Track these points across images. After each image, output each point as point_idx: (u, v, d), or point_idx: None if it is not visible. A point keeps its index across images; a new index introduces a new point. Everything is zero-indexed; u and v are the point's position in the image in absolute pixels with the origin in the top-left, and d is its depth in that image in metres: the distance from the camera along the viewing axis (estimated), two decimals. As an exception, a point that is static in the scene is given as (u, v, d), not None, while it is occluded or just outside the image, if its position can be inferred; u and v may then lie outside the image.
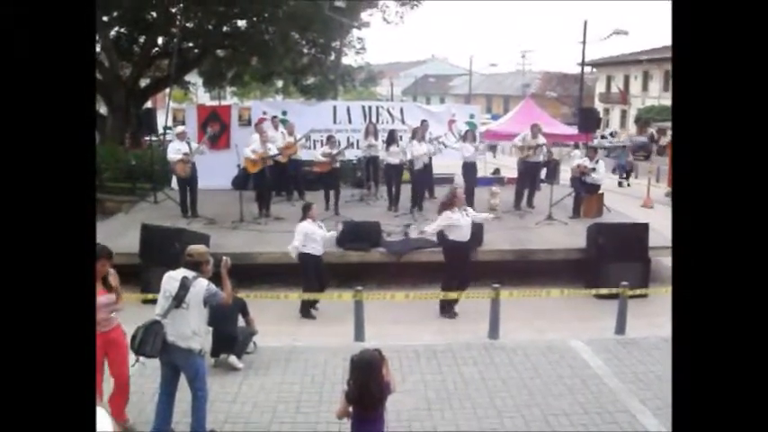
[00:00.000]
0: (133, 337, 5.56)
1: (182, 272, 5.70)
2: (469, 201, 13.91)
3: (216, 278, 5.91)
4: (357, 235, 11.14)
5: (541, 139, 14.31)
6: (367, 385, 4.63)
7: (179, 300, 5.55)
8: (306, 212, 9.57)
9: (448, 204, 9.55)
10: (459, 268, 9.72)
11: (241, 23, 24.33)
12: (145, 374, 6.56)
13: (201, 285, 5.61)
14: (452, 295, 9.61)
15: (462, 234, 9.57)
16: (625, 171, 26.89)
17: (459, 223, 9.48)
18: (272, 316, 8.89)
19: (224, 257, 6.11)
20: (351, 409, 4.78)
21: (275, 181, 14.66)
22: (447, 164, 17.47)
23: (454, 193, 9.77)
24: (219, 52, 26.04)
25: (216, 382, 6.90)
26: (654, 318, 9.72)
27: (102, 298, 5.72)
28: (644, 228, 11.21)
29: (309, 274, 9.57)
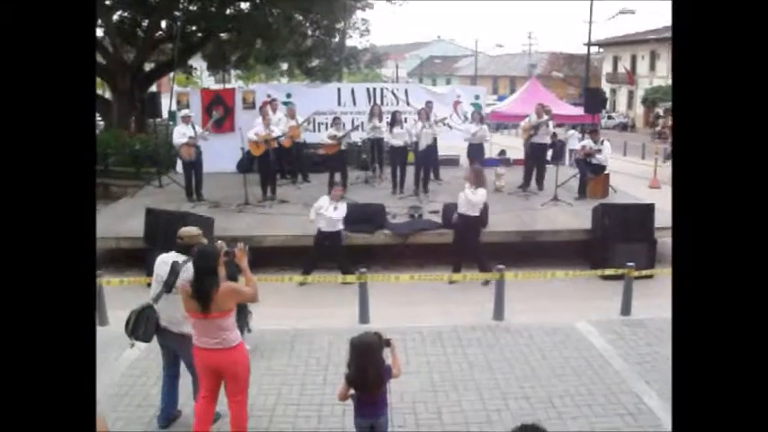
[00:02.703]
0: (127, 321, 5.54)
1: (173, 255, 5.62)
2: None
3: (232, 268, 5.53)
4: (362, 217, 11.13)
5: (545, 117, 14.22)
6: (365, 368, 4.63)
7: (169, 285, 5.49)
8: (329, 189, 10.33)
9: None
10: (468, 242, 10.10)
11: (244, 6, 24.20)
12: (149, 358, 6.59)
13: (191, 270, 5.29)
14: (456, 277, 9.68)
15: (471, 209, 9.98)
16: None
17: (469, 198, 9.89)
18: (278, 299, 8.88)
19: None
20: (352, 391, 4.79)
21: (279, 164, 14.65)
22: (453, 145, 17.42)
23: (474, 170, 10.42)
24: (223, 35, 25.91)
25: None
26: (659, 299, 9.65)
27: None
28: (650, 208, 11.15)
29: (312, 247, 10.03)
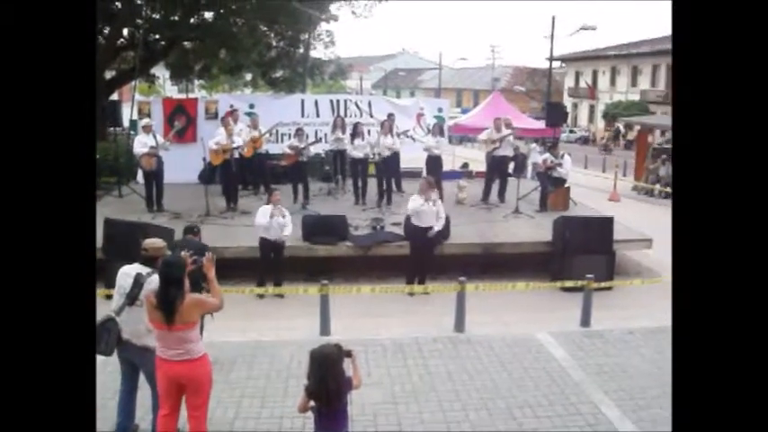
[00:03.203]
0: None
1: (136, 267, 5.54)
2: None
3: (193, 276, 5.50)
4: (324, 229, 11.11)
5: (506, 131, 14.37)
6: (325, 380, 4.60)
7: (132, 297, 5.39)
8: (269, 198, 10.22)
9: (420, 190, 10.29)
10: (421, 254, 10.20)
11: (208, 15, 24.03)
12: (106, 371, 6.47)
13: (156, 282, 5.25)
14: (417, 289, 9.72)
15: (425, 220, 10.16)
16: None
17: (423, 209, 10.09)
18: (239, 311, 8.81)
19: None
20: (312, 403, 4.75)
21: (241, 175, 14.55)
22: (416, 157, 17.48)
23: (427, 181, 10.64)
24: (187, 44, 25.70)
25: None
26: (618, 310, 9.85)
27: None
28: (609, 221, 11.32)
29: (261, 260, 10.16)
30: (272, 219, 9.85)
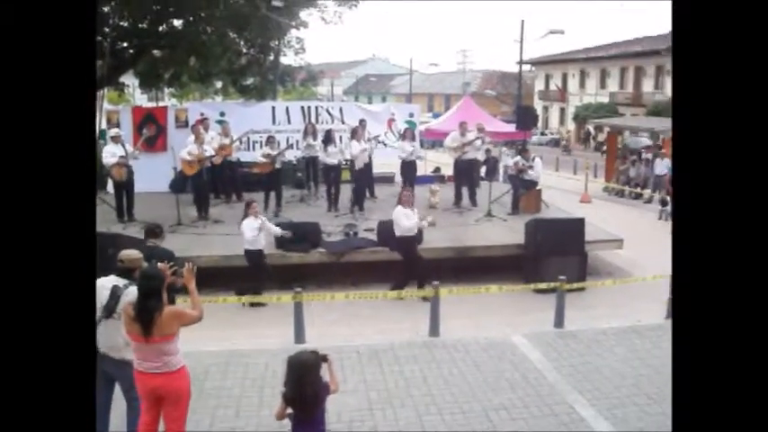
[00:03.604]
0: None
1: (113, 279, 5.45)
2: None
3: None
4: (297, 236, 11.07)
5: (472, 136, 14.44)
6: (302, 386, 4.58)
7: (109, 310, 5.30)
8: (247, 210, 10.07)
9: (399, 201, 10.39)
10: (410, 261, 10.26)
11: (177, 23, 23.87)
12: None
13: (133, 294, 5.19)
14: (391, 294, 9.73)
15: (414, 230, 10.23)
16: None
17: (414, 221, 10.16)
18: (212, 320, 8.69)
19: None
20: (289, 410, 4.73)
21: (213, 183, 14.47)
22: (388, 163, 17.53)
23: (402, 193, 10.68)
24: (156, 52, 25.49)
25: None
26: (591, 310, 9.94)
27: None
28: (580, 222, 11.43)
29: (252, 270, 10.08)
30: (260, 231, 9.94)
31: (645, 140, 32.36)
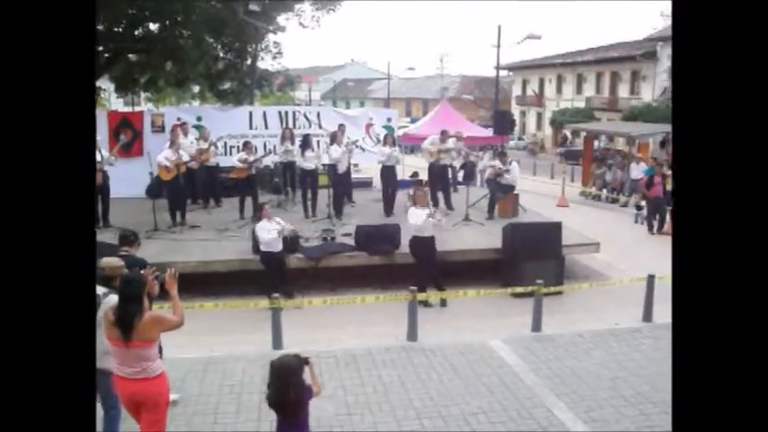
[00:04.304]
0: None
1: None
2: (390, 204, 14.05)
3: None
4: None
5: (451, 144, 14.48)
6: (285, 390, 4.61)
7: None
8: (259, 213, 10.27)
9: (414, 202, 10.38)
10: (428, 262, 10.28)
11: (153, 27, 23.71)
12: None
13: (114, 302, 5.15)
14: (369, 299, 9.70)
15: (428, 231, 10.21)
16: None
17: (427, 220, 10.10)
18: (189, 326, 8.62)
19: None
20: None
21: (190, 188, 14.37)
22: (366, 167, 17.54)
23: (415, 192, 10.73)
24: (132, 57, 25.30)
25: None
26: (568, 314, 10.00)
27: None
28: (557, 226, 11.48)
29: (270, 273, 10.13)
30: (280, 234, 10.01)
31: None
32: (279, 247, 10.09)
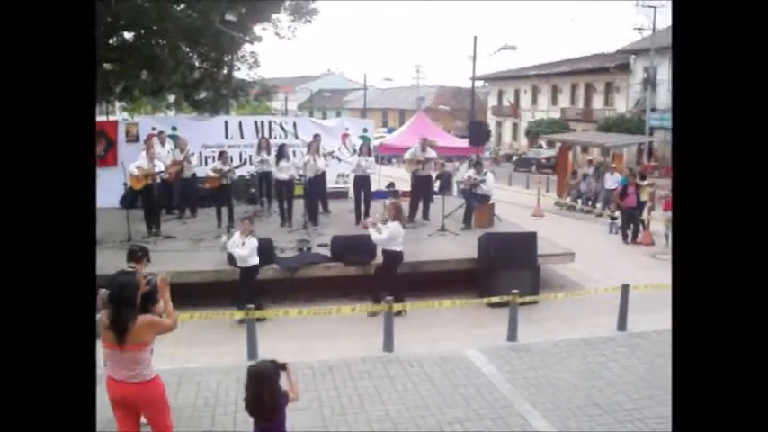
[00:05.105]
0: None
1: None
2: (365, 214, 14.03)
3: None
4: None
5: (431, 153, 14.53)
6: (261, 394, 4.63)
7: None
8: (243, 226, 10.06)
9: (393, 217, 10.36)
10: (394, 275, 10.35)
11: (128, 36, 23.57)
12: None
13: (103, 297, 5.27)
14: (345, 309, 9.68)
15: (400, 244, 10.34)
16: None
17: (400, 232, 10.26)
18: (163, 337, 8.58)
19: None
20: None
21: (165, 199, 14.25)
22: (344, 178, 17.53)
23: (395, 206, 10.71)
24: (106, 65, 25.11)
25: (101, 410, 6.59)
26: (544, 323, 10.05)
27: None
28: (532, 236, 11.55)
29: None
30: (234, 247, 9.83)
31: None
32: (255, 261, 9.98)
